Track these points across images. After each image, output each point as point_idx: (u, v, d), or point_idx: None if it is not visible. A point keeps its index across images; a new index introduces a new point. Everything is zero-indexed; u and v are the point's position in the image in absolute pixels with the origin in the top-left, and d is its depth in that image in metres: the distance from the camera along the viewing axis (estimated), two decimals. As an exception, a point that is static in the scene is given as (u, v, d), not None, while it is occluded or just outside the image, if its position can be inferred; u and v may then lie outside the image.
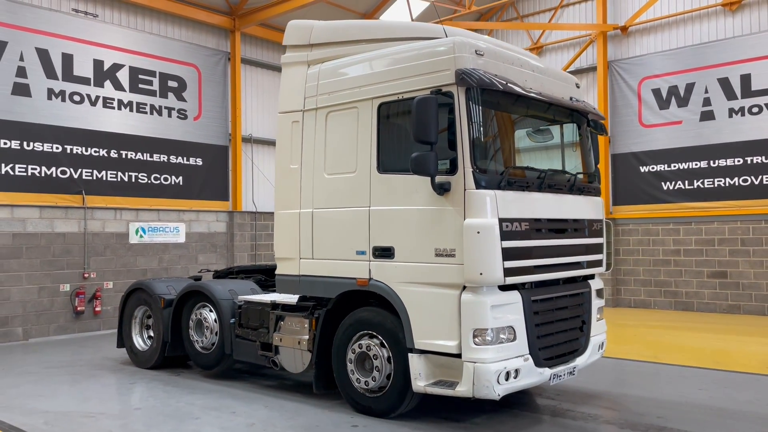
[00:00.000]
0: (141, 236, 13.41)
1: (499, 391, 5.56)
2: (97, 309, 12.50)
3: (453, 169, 5.73)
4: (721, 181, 14.52)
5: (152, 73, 13.81)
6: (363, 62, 6.61)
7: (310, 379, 6.94)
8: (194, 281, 8.74)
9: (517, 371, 5.70)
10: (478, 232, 5.52)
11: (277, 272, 7.24)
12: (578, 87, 7.18)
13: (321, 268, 6.75)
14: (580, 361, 6.54)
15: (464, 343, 5.58)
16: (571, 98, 6.80)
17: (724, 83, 14.54)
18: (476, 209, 5.59)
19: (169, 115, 14.09)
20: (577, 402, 6.90)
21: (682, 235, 14.99)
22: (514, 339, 5.75)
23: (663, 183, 15.31)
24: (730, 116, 14.46)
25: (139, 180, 13.45)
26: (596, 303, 6.91)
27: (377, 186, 6.26)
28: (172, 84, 14.17)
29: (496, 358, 5.57)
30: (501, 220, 5.60)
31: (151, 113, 13.74)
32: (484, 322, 5.56)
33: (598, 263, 6.96)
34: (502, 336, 5.66)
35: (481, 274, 5.51)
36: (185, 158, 14.32)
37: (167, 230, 13.92)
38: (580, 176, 6.88)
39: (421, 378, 5.87)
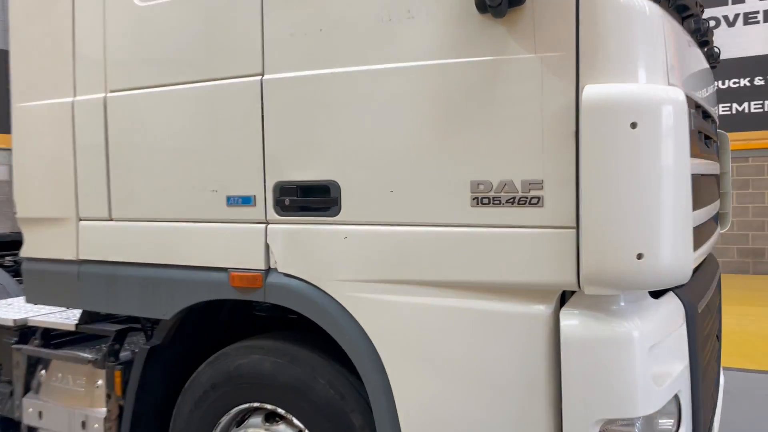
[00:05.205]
0: None
1: None
2: None
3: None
4: None
5: None
6: None
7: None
8: None
9: None
10: (634, 125, 1.74)
11: (22, 254, 3.02)
12: None
13: (135, 243, 2.64)
14: (716, 422, 3.08)
15: (572, 461, 1.87)
16: None
17: None
18: (621, 51, 1.82)
19: None
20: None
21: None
22: (678, 428, 2.12)
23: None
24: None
25: None
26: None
27: (274, 14, 2.26)
28: None
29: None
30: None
31: None
32: (631, 399, 1.85)
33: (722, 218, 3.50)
34: (662, 427, 2.01)
35: (640, 256, 1.76)
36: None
37: None
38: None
39: None
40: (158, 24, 2.51)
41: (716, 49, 2.94)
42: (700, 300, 2.38)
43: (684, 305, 2.19)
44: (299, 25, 2.20)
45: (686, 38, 2.29)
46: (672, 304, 2.16)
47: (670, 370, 2.04)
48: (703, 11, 2.38)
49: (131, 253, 2.62)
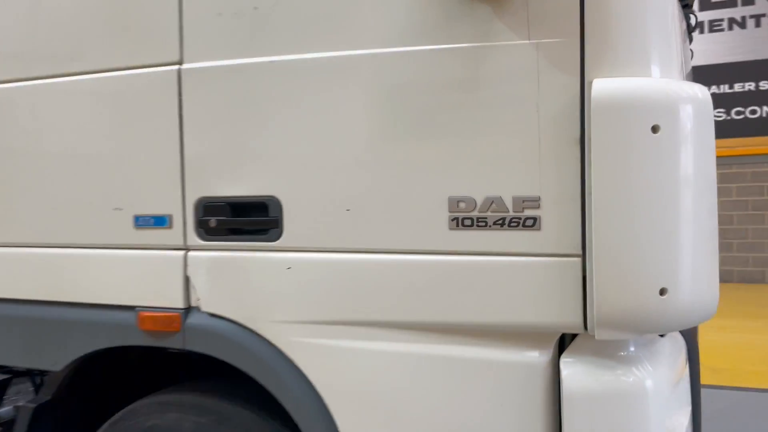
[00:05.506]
0: None
1: None
2: None
3: None
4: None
5: None
6: None
7: None
8: None
9: None
10: (655, 129, 1.40)
11: None
12: None
13: (15, 274, 2.09)
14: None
15: None
16: None
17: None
18: (636, 37, 1.48)
19: None
20: None
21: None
22: (686, 487, 1.80)
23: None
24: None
25: None
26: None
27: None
28: None
29: None
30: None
31: None
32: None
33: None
34: (674, 493, 1.68)
35: (663, 292, 1.42)
36: None
37: None
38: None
39: None
40: (47, -1, 2.00)
41: (691, 50, 2.71)
42: (695, 334, 2.10)
43: (687, 343, 1.89)
44: (228, 1, 1.76)
45: (684, 30, 2.01)
46: (675, 343, 1.85)
47: (679, 423, 1.72)
48: (693, 2, 2.12)
49: (10, 288, 2.07)
